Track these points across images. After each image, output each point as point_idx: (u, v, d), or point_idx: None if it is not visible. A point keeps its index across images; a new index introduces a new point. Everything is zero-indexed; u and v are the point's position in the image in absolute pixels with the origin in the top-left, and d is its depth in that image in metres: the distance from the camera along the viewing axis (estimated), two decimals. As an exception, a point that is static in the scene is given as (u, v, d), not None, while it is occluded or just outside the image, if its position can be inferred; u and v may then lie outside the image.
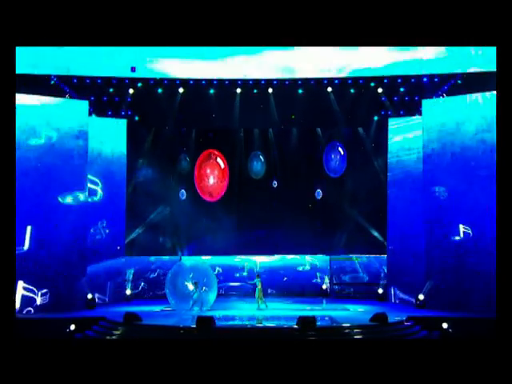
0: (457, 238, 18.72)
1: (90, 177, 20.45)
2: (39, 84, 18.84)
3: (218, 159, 21.96)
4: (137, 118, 22.86)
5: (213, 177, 21.66)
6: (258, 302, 19.13)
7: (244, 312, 18.68)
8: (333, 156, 22.64)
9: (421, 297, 19.34)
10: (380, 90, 21.28)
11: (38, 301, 18.17)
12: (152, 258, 23.37)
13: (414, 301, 19.70)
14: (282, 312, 18.50)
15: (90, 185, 20.52)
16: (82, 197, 19.47)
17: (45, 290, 18.32)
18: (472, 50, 18.02)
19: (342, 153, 22.56)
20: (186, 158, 23.24)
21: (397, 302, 21.30)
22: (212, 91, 21.66)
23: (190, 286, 18.75)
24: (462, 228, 18.63)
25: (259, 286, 19.26)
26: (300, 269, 23.86)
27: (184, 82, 21.24)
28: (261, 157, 23.19)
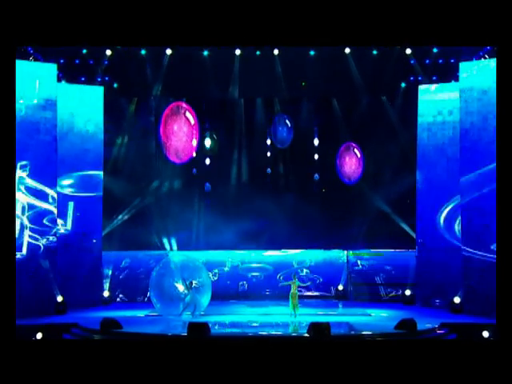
0: None
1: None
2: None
3: (188, 113, 21.77)
4: (116, 86, 22.66)
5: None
6: (294, 309, 18.30)
7: (254, 318, 18.62)
8: (347, 159, 22.33)
9: (456, 299, 19.26)
10: (408, 52, 21.02)
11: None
12: (134, 253, 23.31)
13: None
14: (289, 318, 18.39)
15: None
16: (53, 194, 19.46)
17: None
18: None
19: (359, 155, 22.16)
20: (214, 135, 23.02)
21: None
22: (206, 53, 21.46)
23: (180, 287, 18.65)
24: None
25: (293, 289, 18.36)
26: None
27: (172, 42, 21.06)
28: (287, 121, 22.62)
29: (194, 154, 22.49)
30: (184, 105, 21.78)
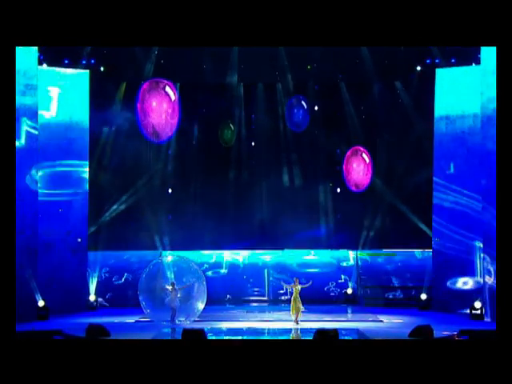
0: None
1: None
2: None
3: (168, 88, 21.61)
4: (102, 69, 22.58)
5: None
6: (296, 315, 18.27)
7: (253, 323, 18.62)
8: (355, 165, 21.98)
9: (477, 304, 19.23)
10: (424, 32, 20.98)
11: None
12: (123, 254, 23.34)
13: None
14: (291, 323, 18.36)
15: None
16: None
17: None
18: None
19: (368, 160, 21.88)
20: (230, 125, 22.92)
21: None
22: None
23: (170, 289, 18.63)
24: None
25: (295, 293, 18.38)
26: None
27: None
28: (303, 102, 22.02)
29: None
30: (164, 80, 21.50)
